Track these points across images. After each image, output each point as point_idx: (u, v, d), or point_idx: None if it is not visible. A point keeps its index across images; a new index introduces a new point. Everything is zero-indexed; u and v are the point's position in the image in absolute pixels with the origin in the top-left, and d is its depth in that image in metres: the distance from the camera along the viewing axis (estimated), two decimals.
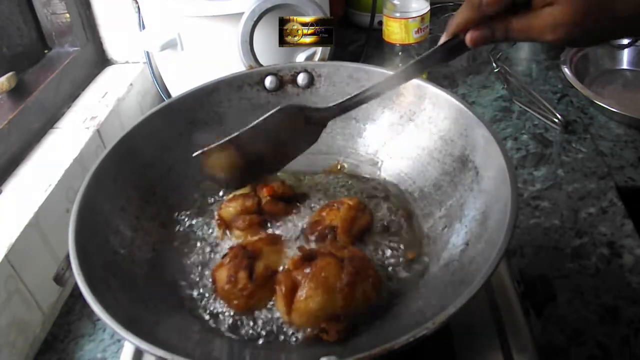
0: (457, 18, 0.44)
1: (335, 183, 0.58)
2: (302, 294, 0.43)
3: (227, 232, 0.52)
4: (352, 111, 0.60)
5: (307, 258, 0.44)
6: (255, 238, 0.49)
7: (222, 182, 0.56)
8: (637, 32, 0.43)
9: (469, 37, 0.43)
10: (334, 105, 0.51)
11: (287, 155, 0.55)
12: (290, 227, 0.52)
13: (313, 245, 0.49)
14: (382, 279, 0.46)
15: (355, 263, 0.44)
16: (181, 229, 0.54)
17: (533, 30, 0.41)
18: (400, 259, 0.49)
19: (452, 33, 0.45)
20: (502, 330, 0.47)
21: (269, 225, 0.52)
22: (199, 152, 0.51)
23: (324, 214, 0.51)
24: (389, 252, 0.50)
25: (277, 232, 0.51)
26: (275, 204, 0.53)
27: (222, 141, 0.51)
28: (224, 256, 0.48)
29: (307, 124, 0.52)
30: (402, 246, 0.50)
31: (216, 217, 0.53)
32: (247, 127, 0.50)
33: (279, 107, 0.50)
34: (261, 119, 0.50)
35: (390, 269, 0.49)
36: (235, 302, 0.45)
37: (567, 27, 0.39)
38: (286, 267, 0.46)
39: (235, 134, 0.51)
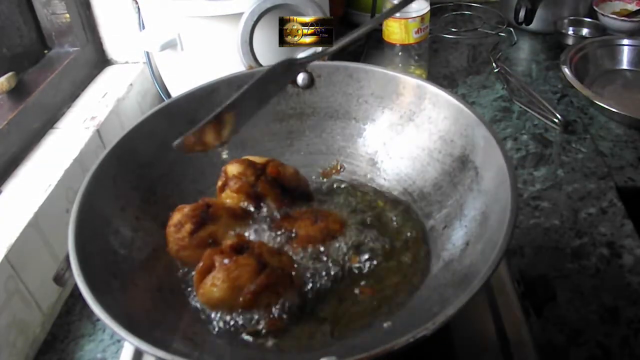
0: None
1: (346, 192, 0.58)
2: (209, 279, 0.44)
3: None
4: (352, 111, 0.61)
5: (237, 249, 0.45)
6: (225, 203, 0.50)
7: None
8: None
9: None
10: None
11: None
12: (268, 214, 0.52)
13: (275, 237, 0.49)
14: (295, 298, 0.46)
15: (272, 276, 0.44)
16: None
17: None
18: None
19: None
20: (502, 330, 0.47)
21: (259, 204, 0.52)
22: (180, 140, 0.46)
23: (301, 216, 0.51)
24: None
25: (259, 213, 0.51)
26: (271, 188, 0.52)
27: (207, 119, 0.47)
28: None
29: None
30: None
31: (222, 170, 0.53)
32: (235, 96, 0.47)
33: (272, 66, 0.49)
34: (252, 83, 0.48)
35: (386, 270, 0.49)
36: (170, 245, 0.48)
37: None
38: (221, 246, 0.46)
39: (221, 108, 0.47)
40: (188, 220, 0.48)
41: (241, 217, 0.50)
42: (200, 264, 0.45)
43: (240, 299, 0.43)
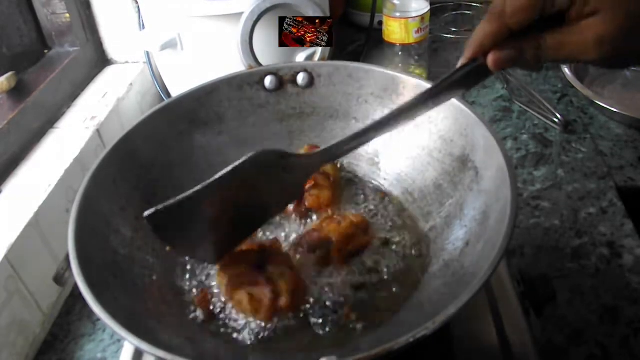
0: (477, 34, 0.35)
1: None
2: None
3: None
4: (352, 111, 0.61)
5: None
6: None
7: (189, 253, 0.47)
8: None
9: (490, 59, 0.34)
10: (316, 153, 0.44)
11: (264, 214, 0.47)
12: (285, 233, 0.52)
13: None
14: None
15: (249, 281, 0.44)
16: None
17: (572, 46, 0.33)
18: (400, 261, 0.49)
19: (472, 54, 0.36)
20: (502, 330, 0.47)
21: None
22: (150, 211, 0.40)
23: (324, 224, 0.50)
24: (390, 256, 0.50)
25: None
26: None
27: (180, 197, 0.41)
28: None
29: (284, 173, 0.44)
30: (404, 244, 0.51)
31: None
32: (211, 180, 0.41)
33: (250, 155, 0.41)
34: (229, 168, 0.41)
35: (387, 270, 0.49)
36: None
37: (616, 41, 0.31)
38: None
39: (196, 188, 0.41)
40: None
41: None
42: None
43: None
